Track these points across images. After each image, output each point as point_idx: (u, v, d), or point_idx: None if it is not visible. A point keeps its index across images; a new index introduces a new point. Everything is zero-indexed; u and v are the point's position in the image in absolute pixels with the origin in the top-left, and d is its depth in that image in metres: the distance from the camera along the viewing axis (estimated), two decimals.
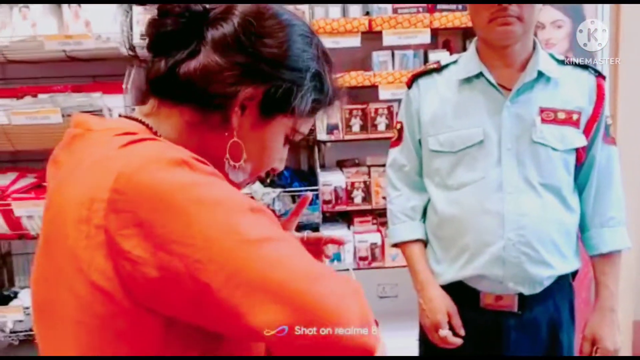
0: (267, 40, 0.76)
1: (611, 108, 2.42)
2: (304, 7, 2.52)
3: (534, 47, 1.45)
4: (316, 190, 2.60)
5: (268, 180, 2.57)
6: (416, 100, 1.54)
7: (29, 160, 2.68)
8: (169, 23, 0.76)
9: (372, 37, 2.54)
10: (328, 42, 2.49)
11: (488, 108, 1.44)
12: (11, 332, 2.52)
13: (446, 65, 1.53)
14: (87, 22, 2.43)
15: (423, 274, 1.55)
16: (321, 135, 2.62)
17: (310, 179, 2.70)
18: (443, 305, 1.51)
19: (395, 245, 1.64)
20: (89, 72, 2.65)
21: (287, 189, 2.56)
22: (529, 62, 1.43)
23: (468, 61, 1.49)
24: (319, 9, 2.55)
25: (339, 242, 1.04)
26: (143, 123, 0.77)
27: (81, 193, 0.65)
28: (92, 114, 2.49)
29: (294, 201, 2.59)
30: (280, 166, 0.86)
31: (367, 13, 2.58)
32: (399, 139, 1.59)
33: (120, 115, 0.81)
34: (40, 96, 2.41)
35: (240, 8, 0.77)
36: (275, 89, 0.76)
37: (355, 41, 2.51)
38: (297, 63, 0.77)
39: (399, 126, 1.60)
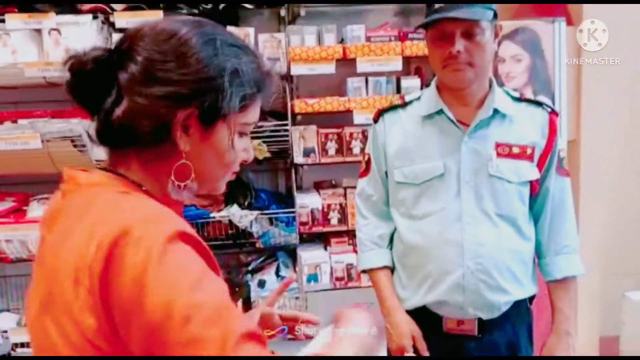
0: (174, 64, 0.78)
1: (574, 133, 2.53)
2: (281, 36, 2.61)
3: (490, 86, 1.54)
4: (293, 212, 2.66)
5: (245, 203, 2.63)
6: (382, 134, 1.62)
7: (7, 184, 2.71)
8: (82, 80, 0.81)
9: (346, 63, 2.63)
10: (304, 69, 2.59)
11: (448, 143, 1.52)
12: None
13: (410, 102, 1.61)
14: (67, 49, 2.48)
15: (389, 301, 1.62)
16: (298, 158, 2.69)
17: (287, 201, 2.77)
18: (408, 330, 1.58)
19: (363, 271, 1.72)
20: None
21: (264, 212, 2.63)
22: (485, 100, 1.52)
23: (429, 98, 1.57)
24: (295, 37, 2.63)
25: (314, 323, 1.09)
26: (120, 175, 0.82)
27: (73, 258, 0.73)
28: (72, 139, 2.53)
29: (271, 223, 2.66)
30: (249, 156, 0.89)
31: (342, 41, 2.67)
32: (367, 170, 1.67)
33: (99, 167, 0.85)
34: (20, 122, 2.46)
35: (141, 38, 0.80)
36: (203, 102, 0.79)
37: (330, 68, 2.60)
38: (211, 71, 0.79)
39: (366, 158, 1.68)
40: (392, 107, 1.63)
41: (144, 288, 0.68)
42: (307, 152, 2.71)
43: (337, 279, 2.78)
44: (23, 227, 2.44)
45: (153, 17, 2.54)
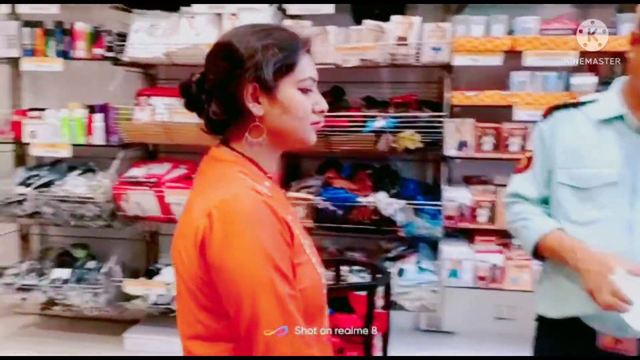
0: (223, 62, 1.03)
1: None
2: (446, 26, 2.56)
3: None
4: (439, 205, 2.63)
5: (393, 192, 2.65)
6: (551, 131, 1.53)
7: (182, 152, 3.02)
8: (190, 96, 1.06)
9: (512, 56, 2.51)
10: (467, 60, 2.52)
11: (626, 150, 1.40)
12: (152, 304, 2.86)
13: (584, 103, 1.50)
14: None
15: (575, 244, 1.40)
16: (450, 151, 2.64)
17: (434, 193, 2.74)
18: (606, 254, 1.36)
19: (535, 253, 1.50)
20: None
21: (410, 202, 2.62)
22: None
23: (609, 102, 1.45)
24: (461, 27, 2.57)
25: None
26: (241, 154, 1.05)
27: (193, 217, 0.96)
28: None
29: (416, 214, 2.65)
30: (321, 107, 1.07)
31: (511, 32, 2.55)
32: (527, 166, 1.59)
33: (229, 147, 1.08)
34: None
35: (205, 64, 1.06)
36: (256, 77, 1.00)
37: (496, 60, 2.50)
38: (249, 52, 1.01)
39: (528, 154, 1.60)
40: (565, 106, 1.53)
41: (224, 254, 0.91)
42: (460, 146, 2.65)
43: (480, 278, 2.70)
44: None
45: (325, 4, 2.62)
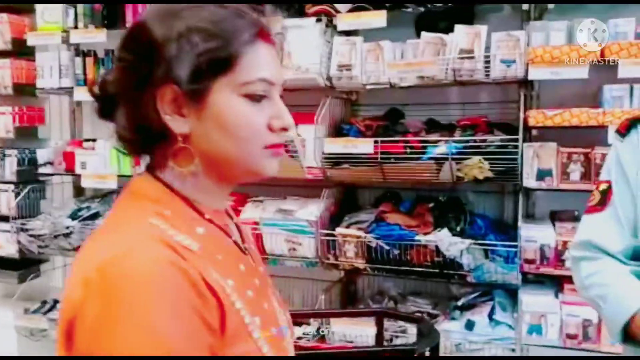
0: (129, 54, 0.75)
1: None
2: (520, 34, 2.17)
3: None
4: (515, 246, 2.20)
5: (458, 229, 2.26)
6: (635, 149, 1.13)
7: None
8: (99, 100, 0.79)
9: (604, 67, 2.06)
10: (546, 73, 2.12)
11: None
12: None
13: None
14: (289, 53, 2.45)
15: None
16: (529, 181, 2.22)
17: (510, 231, 2.31)
18: None
19: (625, 334, 1.08)
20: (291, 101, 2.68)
21: (479, 241, 2.22)
22: None
23: None
24: (537, 35, 2.17)
25: None
26: (169, 186, 0.76)
27: (71, 280, 0.67)
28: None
29: (486, 256, 2.23)
30: (285, 122, 0.77)
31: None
32: (604, 203, 1.18)
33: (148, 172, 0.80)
34: None
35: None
36: (174, 75, 0.71)
37: (581, 72, 2.07)
38: (166, 38, 0.71)
39: (604, 186, 1.19)
40: None
41: (95, 347, 0.61)
42: (541, 175, 2.21)
43: (569, 336, 2.22)
44: None
45: (377, 17, 2.35)
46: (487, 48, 2.21)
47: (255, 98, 0.74)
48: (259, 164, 0.76)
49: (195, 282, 0.65)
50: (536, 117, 2.16)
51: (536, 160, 2.22)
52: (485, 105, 2.54)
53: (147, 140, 0.76)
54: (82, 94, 2.88)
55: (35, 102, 3.27)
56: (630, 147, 1.14)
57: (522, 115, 2.19)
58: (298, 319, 2.30)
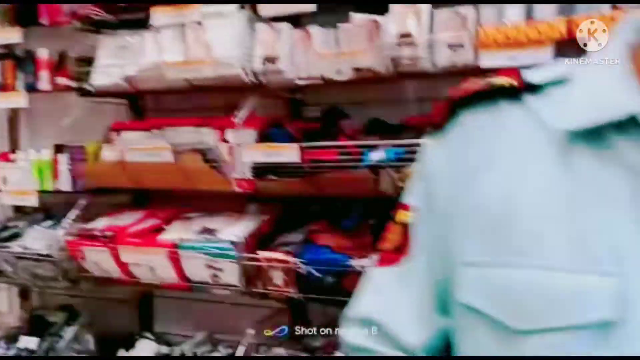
0: None
1: None
2: (467, 11, 1.76)
3: None
4: None
5: None
6: (448, 162, 0.69)
7: (183, 198, 2.50)
8: None
9: (570, 46, 1.64)
10: (500, 58, 1.71)
11: None
12: None
13: (535, 87, 0.65)
14: (207, 44, 2.10)
15: None
16: None
17: None
18: None
19: None
20: (217, 102, 2.34)
21: None
22: None
23: (603, 84, 0.60)
24: (489, 11, 1.75)
25: None
26: None
27: None
28: (202, 152, 2.12)
29: None
30: None
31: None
32: (400, 250, 0.68)
33: None
34: (154, 131, 2.18)
35: None
36: None
37: (543, 55, 1.65)
38: None
39: (403, 217, 0.73)
40: (487, 93, 0.64)
41: None
42: None
43: None
44: (150, 251, 2.14)
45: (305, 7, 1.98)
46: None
47: None
48: None
49: None
50: None
51: None
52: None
53: None
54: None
55: None
56: (442, 154, 0.67)
57: None
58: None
